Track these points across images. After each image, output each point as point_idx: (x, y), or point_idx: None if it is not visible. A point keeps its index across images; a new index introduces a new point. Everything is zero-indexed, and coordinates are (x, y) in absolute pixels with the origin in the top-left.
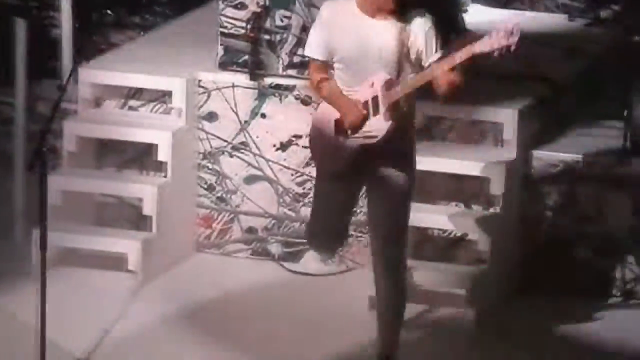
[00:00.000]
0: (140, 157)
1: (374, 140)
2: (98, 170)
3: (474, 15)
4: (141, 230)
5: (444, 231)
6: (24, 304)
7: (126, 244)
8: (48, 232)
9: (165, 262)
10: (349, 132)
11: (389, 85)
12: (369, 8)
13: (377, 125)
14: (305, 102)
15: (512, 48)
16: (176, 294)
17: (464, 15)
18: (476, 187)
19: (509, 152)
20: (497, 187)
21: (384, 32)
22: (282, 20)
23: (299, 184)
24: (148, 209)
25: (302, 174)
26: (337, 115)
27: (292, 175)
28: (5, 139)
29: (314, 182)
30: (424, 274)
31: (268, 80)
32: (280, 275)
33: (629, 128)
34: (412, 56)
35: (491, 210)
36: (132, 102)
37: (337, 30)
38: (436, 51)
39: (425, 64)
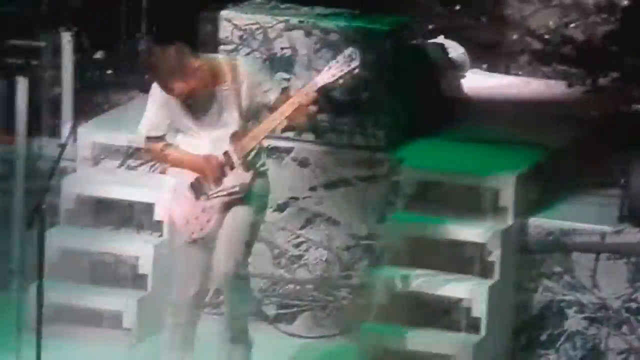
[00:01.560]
0: (138, 216)
1: (239, 195)
2: (95, 228)
3: (473, 81)
4: (137, 288)
5: (439, 297)
6: None
7: (122, 302)
8: (45, 289)
9: (160, 321)
10: (210, 189)
11: (234, 137)
12: None
13: (239, 179)
14: (303, 163)
15: (355, 71)
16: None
17: (462, 80)
18: (472, 254)
19: (505, 219)
20: (493, 254)
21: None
22: (281, 83)
23: (296, 246)
24: (144, 267)
25: (299, 236)
26: (188, 179)
27: (289, 236)
28: (5, 196)
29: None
30: (419, 340)
31: (266, 143)
32: (275, 337)
33: (626, 196)
34: (252, 103)
35: (487, 276)
36: (131, 162)
37: (172, 105)
38: (273, 89)
39: (270, 103)
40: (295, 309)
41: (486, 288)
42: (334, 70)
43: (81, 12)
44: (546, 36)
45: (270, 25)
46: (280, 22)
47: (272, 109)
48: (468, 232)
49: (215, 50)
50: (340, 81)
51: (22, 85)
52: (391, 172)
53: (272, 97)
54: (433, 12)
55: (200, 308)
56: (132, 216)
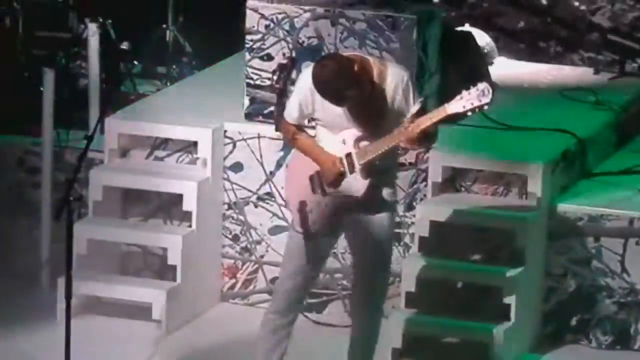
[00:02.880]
0: (166, 206)
1: (352, 199)
2: (124, 219)
3: (500, 68)
4: (166, 279)
5: (468, 284)
6: (50, 352)
7: (151, 294)
8: (73, 280)
9: (189, 312)
10: (327, 188)
11: (362, 141)
12: None
13: (355, 185)
14: None
15: (485, 108)
16: (200, 344)
17: (489, 68)
18: (501, 240)
19: (534, 205)
20: (521, 240)
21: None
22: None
23: None
24: (173, 258)
25: None
26: (310, 171)
27: None
28: (32, 188)
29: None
30: (449, 327)
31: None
32: (305, 326)
33: None
34: (389, 114)
35: (516, 263)
36: (158, 152)
37: (315, 95)
38: (414, 104)
39: (406, 116)
40: (324, 298)
41: (515, 275)
42: (464, 102)
43: (107, 3)
44: (572, 23)
45: (296, 14)
46: (307, 11)
47: (405, 122)
48: (496, 219)
49: (242, 40)
50: (469, 114)
51: (48, 77)
52: (419, 159)
53: (412, 110)
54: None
55: (300, 302)
56: (160, 207)
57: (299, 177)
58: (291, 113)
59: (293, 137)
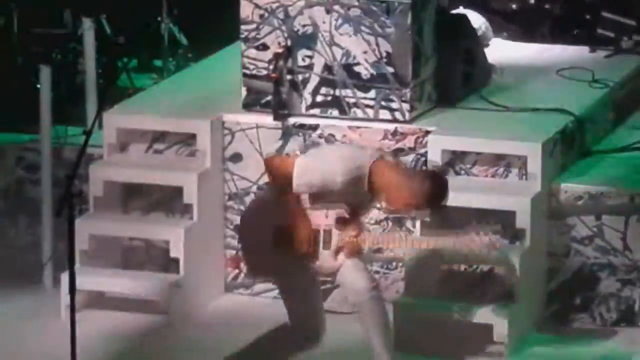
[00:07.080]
0: (167, 199)
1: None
2: (125, 214)
3: (496, 50)
4: (169, 272)
5: (471, 266)
6: (55, 349)
7: (155, 287)
8: (77, 276)
9: (194, 304)
10: (294, 251)
11: (343, 221)
12: None
13: (325, 263)
14: (328, 140)
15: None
16: (206, 336)
17: (485, 50)
18: (503, 222)
19: (534, 185)
20: (523, 221)
21: None
22: (304, 60)
23: None
24: (176, 251)
25: None
26: (274, 221)
27: None
28: (32, 185)
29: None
30: (453, 311)
31: (292, 120)
32: None
33: None
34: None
35: (517, 243)
36: (157, 145)
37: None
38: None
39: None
40: (328, 286)
41: (518, 255)
42: (469, 242)
43: None
44: (566, 2)
45: (290, 3)
46: None
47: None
48: (498, 200)
49: (237, 31)
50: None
51: (45, 74)
52: (418, 144)
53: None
54: None
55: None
56: (161, 200)
57: (262, 224)
58: (301, 188)
59: (282, 194)
